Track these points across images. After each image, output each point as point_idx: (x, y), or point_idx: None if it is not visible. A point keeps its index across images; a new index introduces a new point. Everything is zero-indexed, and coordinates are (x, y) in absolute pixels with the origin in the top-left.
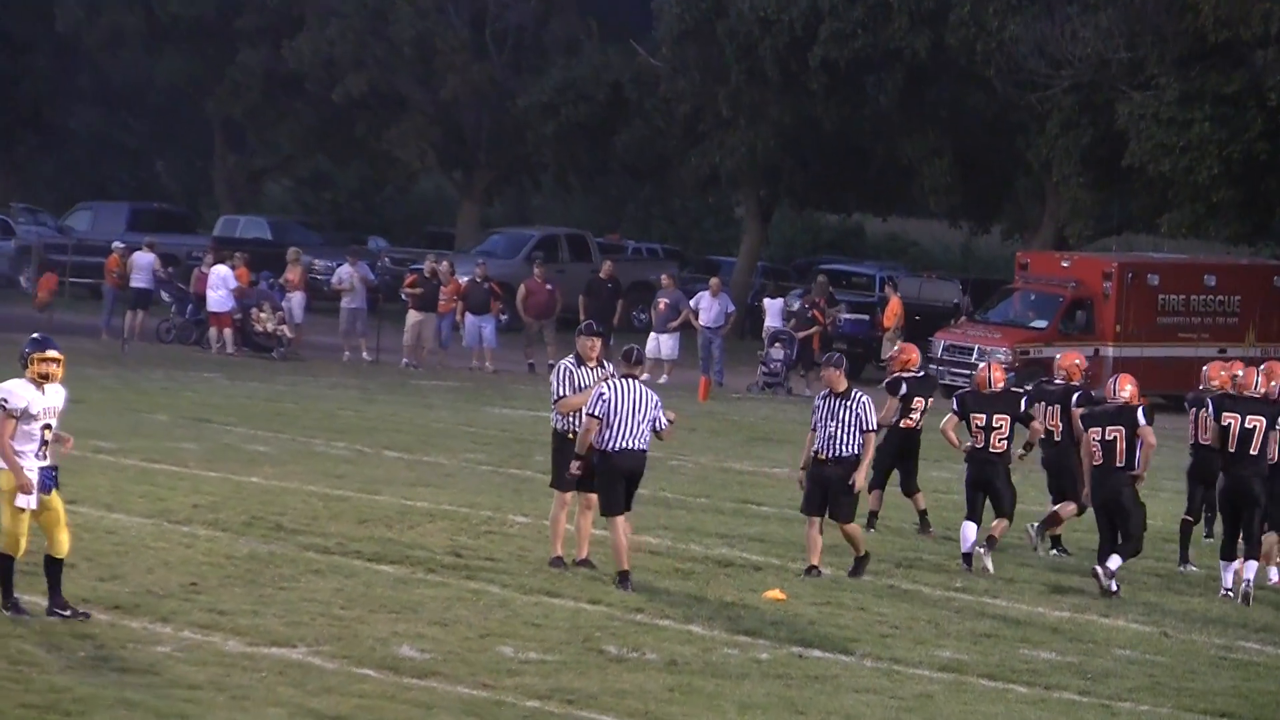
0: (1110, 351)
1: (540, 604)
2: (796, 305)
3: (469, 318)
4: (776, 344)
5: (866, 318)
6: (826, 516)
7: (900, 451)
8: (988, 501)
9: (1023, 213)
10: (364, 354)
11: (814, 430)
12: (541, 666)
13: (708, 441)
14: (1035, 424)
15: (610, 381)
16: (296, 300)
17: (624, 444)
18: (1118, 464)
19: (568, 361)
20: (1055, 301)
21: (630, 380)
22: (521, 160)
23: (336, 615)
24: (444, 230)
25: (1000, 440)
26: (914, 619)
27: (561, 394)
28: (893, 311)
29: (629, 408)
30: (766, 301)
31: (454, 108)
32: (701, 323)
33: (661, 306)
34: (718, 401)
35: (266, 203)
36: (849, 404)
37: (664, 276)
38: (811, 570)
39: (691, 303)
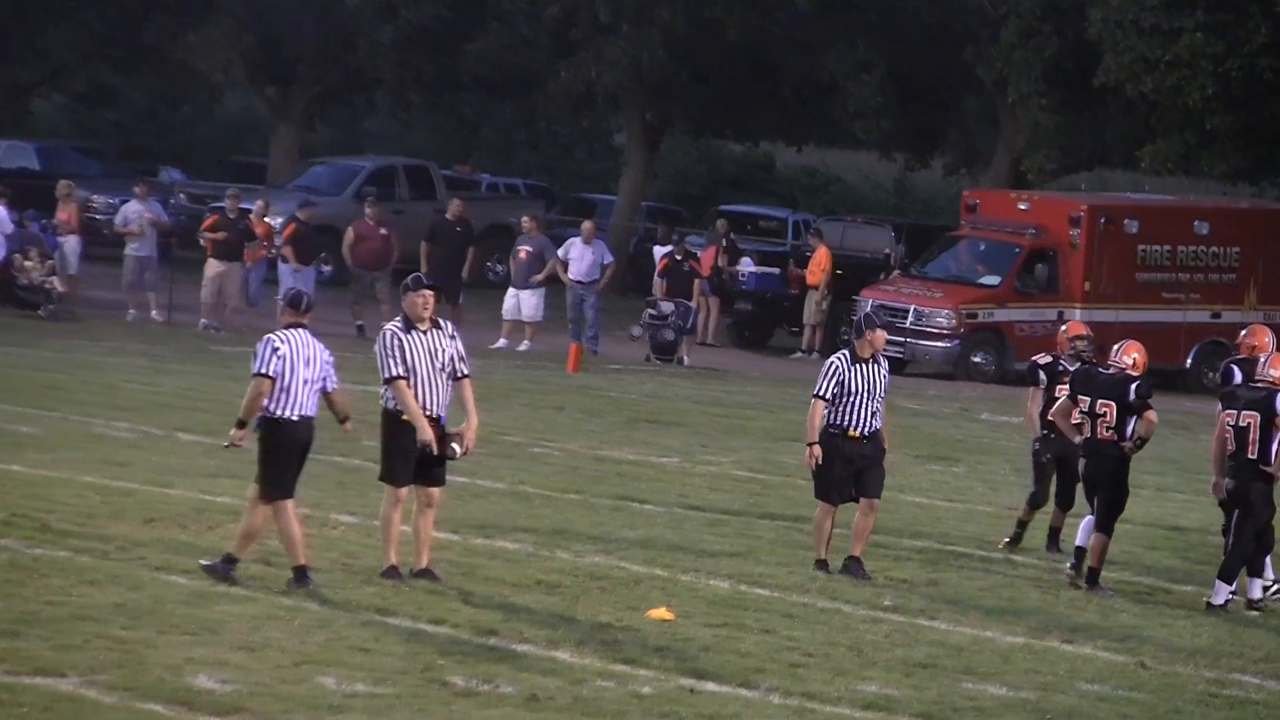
0: (1078, 315)
1: (370, 624)
2: (662, 255)
3: (284, 267)
4: (669, 301)
5: (777, 271)
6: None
7: None
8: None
9: (971, 142)
10: (153, 312)
11: (830, 401)
12: (371, 701)
13: (579, 423)
14: (1151, 414)
15: (282, 333)
16: (70, 246)
17: (297, 411)
18: (1249, 455)
19: (394, 326)
20: (1010, 252)
21: (301, 331)
22: (351, 74)
23: (117, 637)
24: (254, 160)
25: (1107, 430)
26: (833, 644)
27: (393, 371)
28: (819, 264)
29: (303, 365)
30: (657, 251)
31: (267, 8)
32: (572, 276)
33: (523, 256)
34: (591, 373)
35: (33, 124)
36: (880, 370)
37: (526, 219)
38: (822, 565)
39: (560, 252)
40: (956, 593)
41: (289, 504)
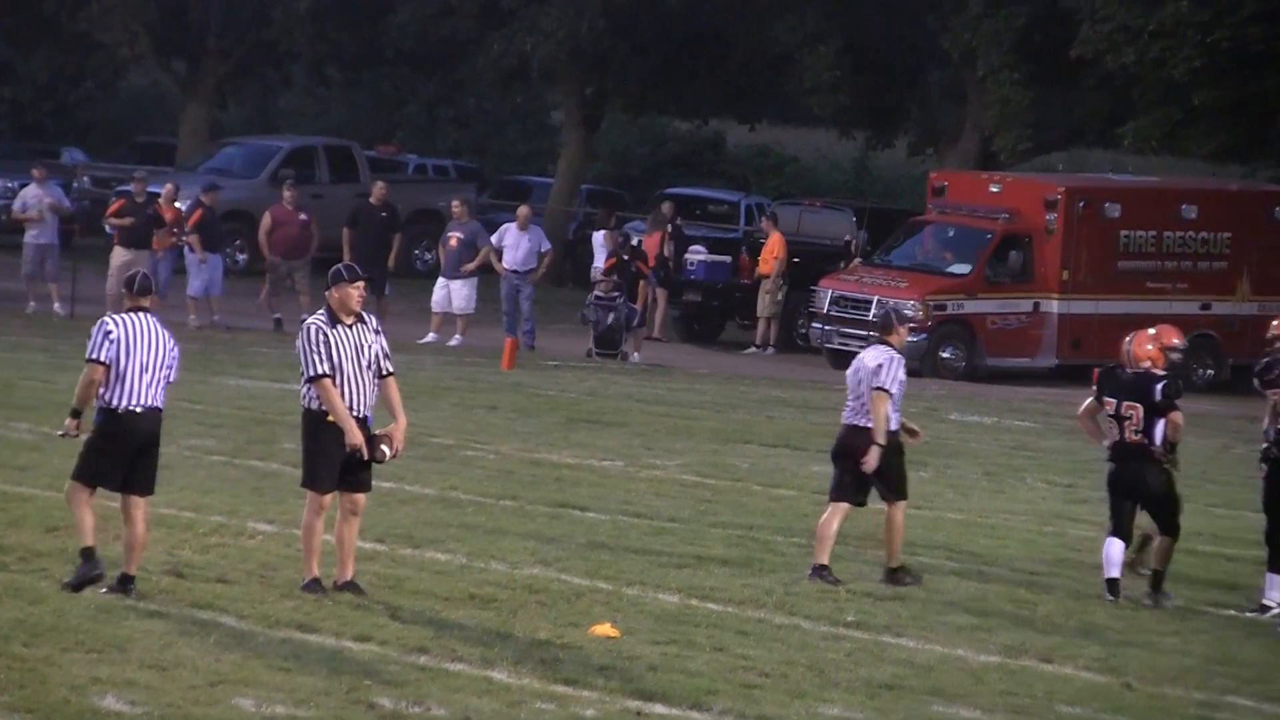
0: (1055, 306)
1: (290, 641)
2: (608, 256)
3: (192, 256)
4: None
5: (728, 259)
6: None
7: None
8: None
9: (936, 119)
10: (55, 304)
11: (892, 395)
12: None
13: (514, 424)
14: (1175, 416)
15: (118, 317)
16: None
17: (135, 401)
18: None
19: (318, 319)
20: (981, 238)
21: (141, 315)
22: (265, 47)
23: (17, 654)
24: (162, 140)
25: (1135, 433)
26: (790, 664)
27: (318, 368)
28: (772, 251)
29: (143, 352)
30: (596, 237)
31: None
32: (506, 265)
33: (453, 243)
34: (527, 370)
35: None
36: None
37: (456, 203)
38: (824, 571)
39: (493, 239)
40: (924, 607)
41: (83, 491)
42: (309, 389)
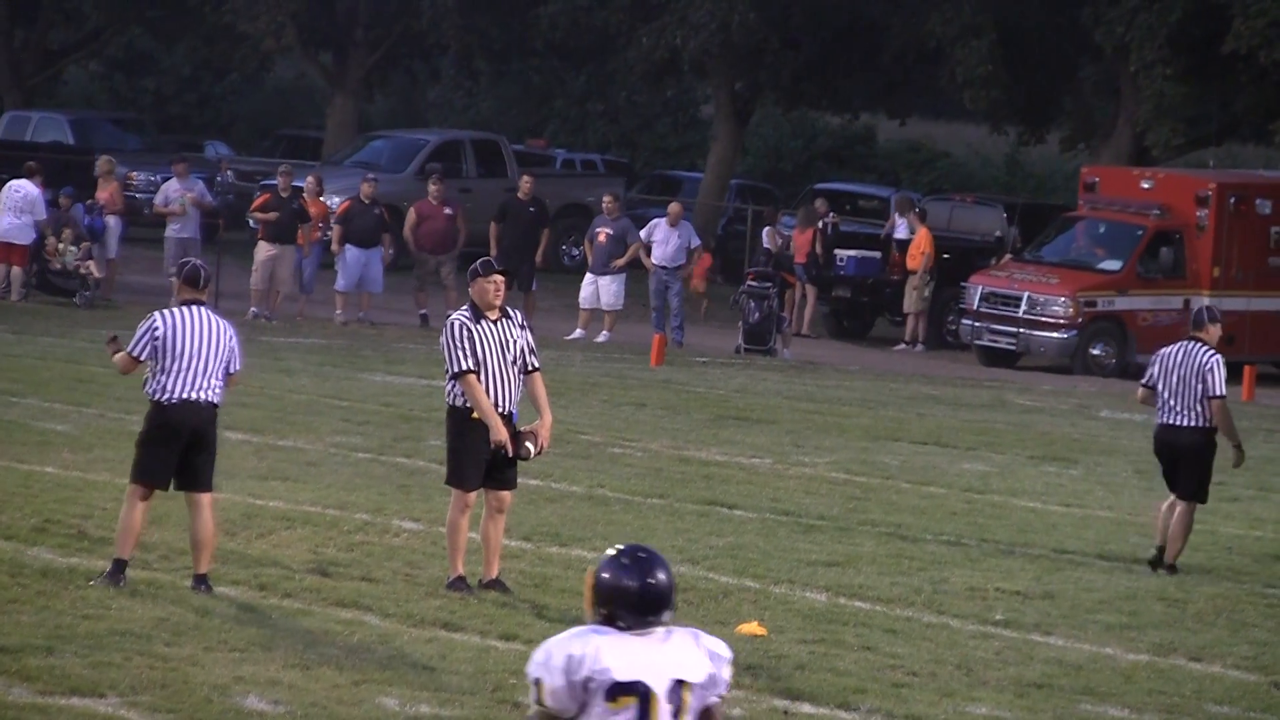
0: (1205, 302)
1: (435, 640)
2: (764, 255)
3: (350, 251)
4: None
5: (878, 255)
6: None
7: None
8: None
9: (1089, 114)
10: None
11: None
12: None
13: (662, 421)
14: None
15: (166, 312)
16: (112, 227)
17: (182, 393)
18: None
19: (463, 315)
20: (1132, 234)
21: (195, 308)
22: (413, 38)
23: (160, 654)
24: (307, 133)
25: None
26: (939, 662)
27: (462, 364)
28: (919, 247)
29: (193, 344)
30: (765, 234)
31: None
32: (656, 261)
33: (602, 238)
34: (675, 367)
35: (66, 94)
36: None
37: (606, 198)
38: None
39: (642, 234)
40: (1074, 606)
41: (142, 500)
42: (454, 385)
